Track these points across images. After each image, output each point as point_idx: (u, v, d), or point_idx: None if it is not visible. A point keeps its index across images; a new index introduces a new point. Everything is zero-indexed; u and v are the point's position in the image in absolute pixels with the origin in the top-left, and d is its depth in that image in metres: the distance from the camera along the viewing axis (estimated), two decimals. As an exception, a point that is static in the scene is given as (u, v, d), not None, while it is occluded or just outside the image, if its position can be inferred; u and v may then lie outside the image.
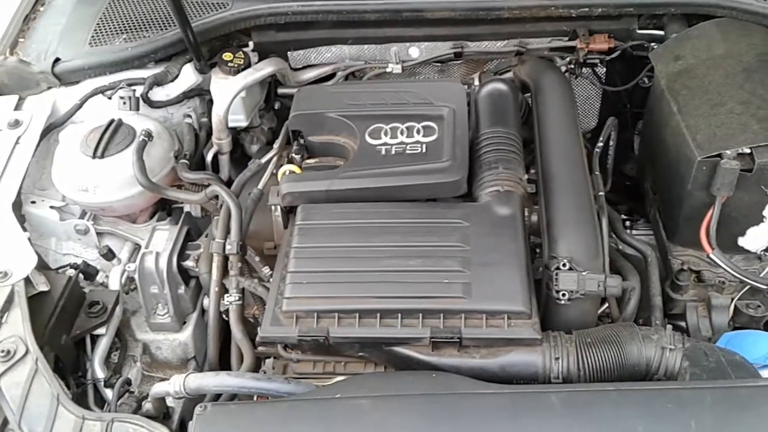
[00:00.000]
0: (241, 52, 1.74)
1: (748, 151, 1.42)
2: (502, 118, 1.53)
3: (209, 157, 1.72)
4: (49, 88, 1.71)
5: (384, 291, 1.28)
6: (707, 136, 1.45)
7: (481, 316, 1.25)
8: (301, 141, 1.57)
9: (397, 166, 1.42)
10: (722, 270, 1.52)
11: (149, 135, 1.56)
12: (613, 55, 1.78)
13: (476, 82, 1.72)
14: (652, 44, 1.77)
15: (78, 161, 1.55)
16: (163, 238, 1.59)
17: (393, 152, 1.46)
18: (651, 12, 1.72)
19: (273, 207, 1.47)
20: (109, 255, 1.57)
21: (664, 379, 1.24)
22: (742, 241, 1.54)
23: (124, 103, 1.65)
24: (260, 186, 1.51)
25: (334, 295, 1.29)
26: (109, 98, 1.70)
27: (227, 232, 1.45)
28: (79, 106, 1.68)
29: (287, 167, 1.51)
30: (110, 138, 1.55)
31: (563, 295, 1.30)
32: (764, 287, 1.49)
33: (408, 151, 1.45)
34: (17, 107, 1.69)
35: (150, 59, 1.70)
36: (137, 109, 1.67)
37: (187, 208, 1.66)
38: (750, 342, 1.38)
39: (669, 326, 1.28)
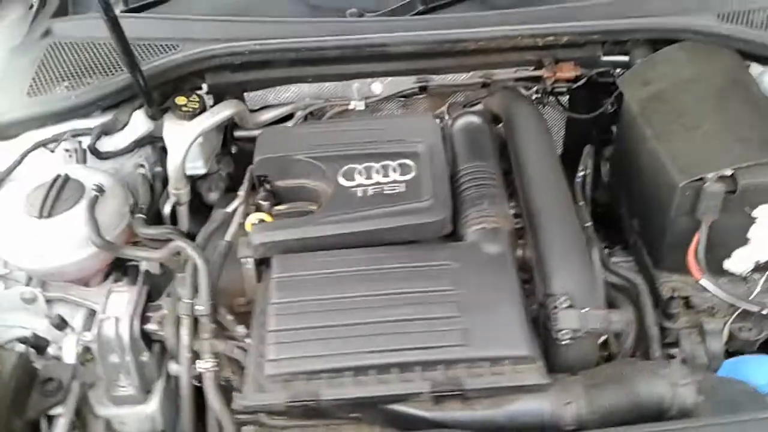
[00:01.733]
0: (195, 96, 1.64)
1: (730, 173, 1.40)
2: (480, 151, 1.47)
3: (167, 210, 1.59)
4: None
5: (377, 345, 1.18)
6: (687, 161, 1.43)
7: (483, 364, 1.17)
8: (268, 187, 1.47)
9: (376, 208, 1.34)
10: (711, 295, 1.49)
11: (101, 189, 1.43)
12: (579, 83, 1.75)
13: (446, 116, 1.66)
14: (617, 70, 1.76)
15: (22, 223, 1.40)
16: (121, 301, 1.45)
17: (370, 193, 1.37)
18: (616, 38, 1.70)
19: (243, 260, 1.36)
20: (61, 324, 1.42)
21: (679, 417, 1.18)
22: (727, 264, 1.51)
23: (70, 155, 1.52)
24: (228, 238, 1.39)
25: (322, 354, 1.18)
26: (52, 151, 1.55)
27: (195, 290, 1.32)
28: (19, 162, 1.53)
29: (256, 216, 1.40)
30: (57, 195, 1.41)
31: (565, 334, 1.23)
32: (756, 309, 1.47)
33: (386, 192, 1.37)
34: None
35: (96, 107, 1.57)
36: (84, 161, 1.53)
37: (144, 266, 1.53)
38: (753, 368, 1.34)
39: (676, 359, 1.23)
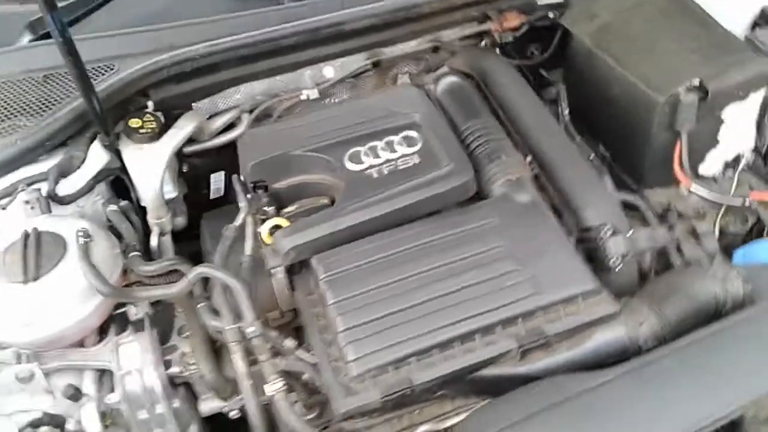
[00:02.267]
0: (148, 115, 1.49)
1: (698, 82, 1.49)
2: (474, 109, 1.46)
3: (154, 242, 1.44)
4: None
5: (452, 316, 1.15)
6: (658, 79, 1.50)
7: (557, 307, 1.17)
8: (265, 191, 1.37)
9: (398, 185, 1.29)
10: (696, 200, 1.58)
11: (88, 234, 1.27)
12: (522, 30, 1.78)
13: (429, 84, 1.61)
14: (551, 12, 1.81)
15: (5, 294, 1.21)
16: (134, 351, 1.31)
17: (385, 172, 1.32)
18: (550, -20, 1.75)
19: (274, 270, 1.26)
20: (76, 394, 1.25)
21: (733, 310, 1.25)
22: (702, 169, 1.62)
23: (32, 207, 1.33)
24: (248, 252, 1.29)
25: (402, 339, 1.13)
26: (4, 209, 1.36)
27: (234, 314, 1.21)
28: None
29: (270, 223, 1.30)
30: (37, 253, 1.24)
31: (616, 261, 1.25)
32: (740, 202, 1.58)
33: (401, 167, 1.33)
34: None
35: (45, 149, 1.38)
36: (49, 210, 1.35)
37: (135, 311, 1.38)
38: (763, 252, 1.44)
39: (715, 257, 1.30)
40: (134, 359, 1.31)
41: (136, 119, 1.47)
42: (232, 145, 1.63)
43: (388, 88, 1.63)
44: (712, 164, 1.63)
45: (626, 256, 1.26)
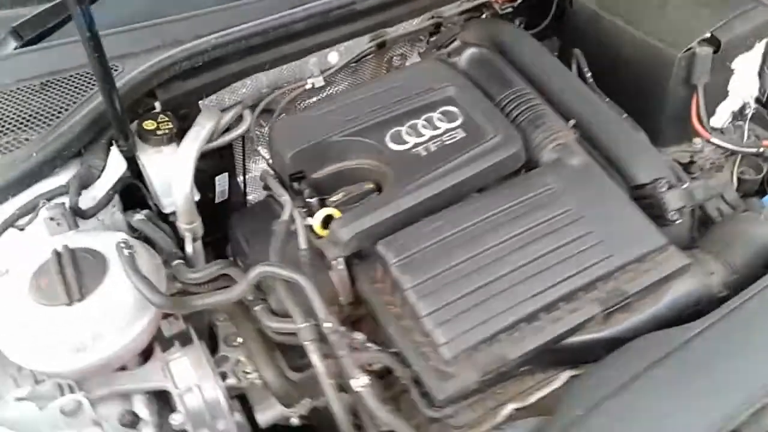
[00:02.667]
0: (162, 116, 1.39)
1: (709, 35, 1.51)
2: (506, 78, 1.43)
3: (189, 248, 1.35)
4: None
5: (534, 286, 1.12)
6: (672, 35, 1.52)
7: (633, 266, 1.16)
8: (303, 183, 1.31)
9: (451, 160, 1.25)
10: (707, 153, 1.62)
11: (130, 246, 1.17)
12: (520, 1, 1.77)
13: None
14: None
15: (49, 319, 1.10)
16: (187, 367, 1.23)
17: (433, 149, 1.28)
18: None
19: (335, 262, 1.20)
20: (134, 420, 1.16)
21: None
22: (713, 121, 1.65)
23: (58, 224, 1.21)
24: (303, 246, 1.22)
25: (488, 316, 1.09)
26: (22, 229, 1.24)
27: (304, 312, 1.15)
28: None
29: (321, 214, 1.24)
30: (76, 272, 1.13)
31: (675, 214, 1.26)
32: (754, 150, 1.62)
33: (447, 142, 1.29)
34: None
35: (62, 160, 1.27)
36: (76, 225, 1.24)
37: (168, 328, 1.29)
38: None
39: (754, 199, 1.32)
40: (189, 375, 1.22)
41: (150, 121, 1.37)
42: (232, 146, 1.56)
43: (413, 66, 1.58)
44: (721, 116, 1.66)
45: (684, 208, 1.26)
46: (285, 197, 1.28)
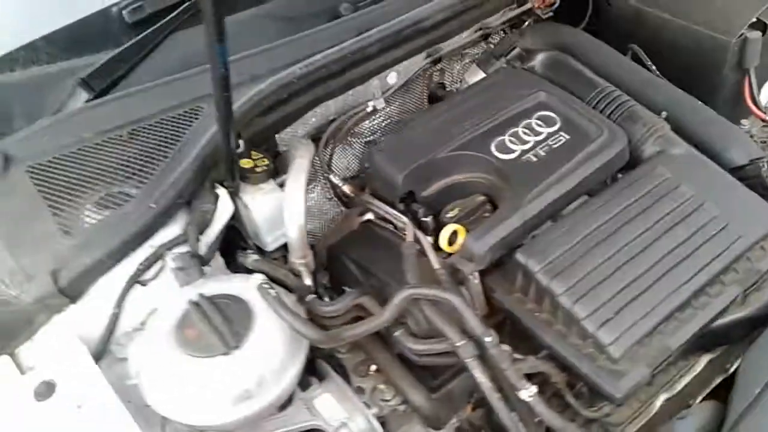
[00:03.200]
0: (255, 153, 1.38)
1: (755, 19, 1.59)
2: (589, 79, 1.47)
3: (309, 282, 1.32)
4: (48, 319, 1.13)
5: (679, 275, 1.15)
6: (721, 23, 1.59)
7: (760, 245, 1.21)
8: (416, 203, 1.31)
9: (564, 163, 1.28)
10: (756, 133, 1.69)
11: (272, 286, 1.15)
12: (557, 4, 1.81)
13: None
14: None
15: (208, 370, 1.07)
16: (332, 403, 1.20)
17: (542, 154, 1.30)
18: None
19: (471, 276, 1.20)
20: (295, 463, 1.13)
21: None
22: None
23: (187, 273, 1.18)
24: (437, 266, 1.22)
25: (645, 310, 1.12)
26: (145, 284, 1.20)
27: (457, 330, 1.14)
28: (117, 315, 1.16)
29: (447, 231, 1.24)
30: (224, 319, 1.10)
31: (780, 190, 1.32)
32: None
33: (555, 146, 1.31)
34: (21, 367, 1.10)
35: (177, 208, 1.23)
36: (202, 273, 1.20)
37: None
38: None
39: None
40: (337, 410, 1.20)
41: (246, 159, 1.35)
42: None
43: (494, 76, 1.58)
44: (765, 96, 1.74)
45: (785, 184, 1.32)
46: (404, 219, 1.27)
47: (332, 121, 1.58)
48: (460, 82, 1.82)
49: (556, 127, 1.34)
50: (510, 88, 1.42)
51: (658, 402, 1.19)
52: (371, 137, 1.69)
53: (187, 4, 1.51)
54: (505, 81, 1.46)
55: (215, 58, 1.01)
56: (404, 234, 1.31)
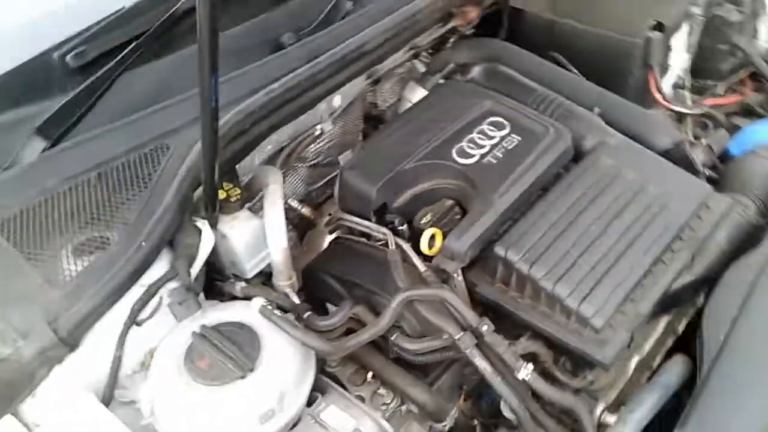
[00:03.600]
0: (226, 183, 1.40)
1: (654, 21, 1.80)
2: (524, 85, 1.60)
3: (296, 301, 1.36)
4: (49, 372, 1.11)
5: (639, 247, 1.29)
6: (627, 27, 1.78)
7: (698, 213, 1.37)
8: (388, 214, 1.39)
9: (521, 161, 1.40)
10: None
11: (274, 306, 1.18)
12: (476, 21, 1.95)
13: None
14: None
15: (228, 396, 1.08)
16: (338, 413, 1.24)
17: (500, 156, 1.41)
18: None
19: (455, 274, 1.29)
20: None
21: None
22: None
23: (188, 308, 1.19)
24: (422, 267, 1.30)
25: (616, 282, 1.24)
26: (139, 325, 1.19)
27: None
28: (120, 358, 1.15)
29: (427, 235, 1.32)
30: (234, 345, 1.12)
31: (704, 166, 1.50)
32: (701, 111, 1.91)
33: (510, 147, 1.43)
34: (28, 426, 1.07)
35: (164, 245, 1.24)
36: (199, 305, 1.22)
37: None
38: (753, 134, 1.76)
39: None
40: (345, 419, 1.24)
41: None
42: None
43: (440, 90, 1.67)
44: (666, 87, 1.96)
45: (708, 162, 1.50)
46: (383, 229, 1.34)
47: (283, 148, 1.63)
48: (392, 100, 1.91)
49: (507, 131, 1.45)
50: (458, 99, 1.53)
51: (632, 365, 1.31)
52: (315, 160, 1.75)
53: (133, 45, 1.51)
54: (452, 93, 1.57)
55: (207, 91, 1.05)
56: (379, 245, 1.38)
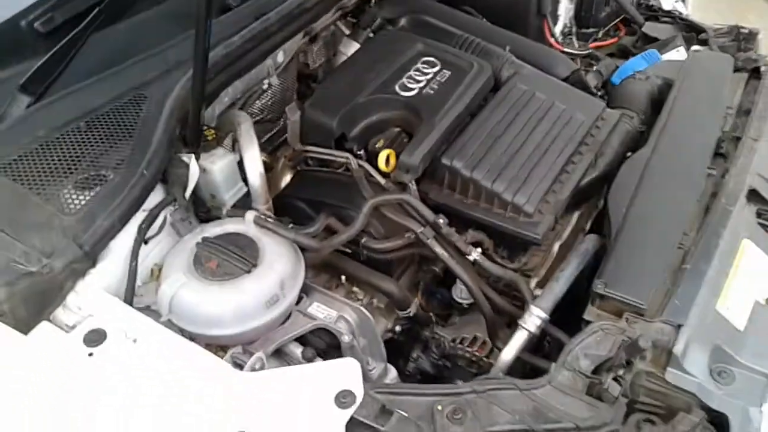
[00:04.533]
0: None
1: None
2: (446, 30, 1.88)
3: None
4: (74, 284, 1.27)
5: (556, 150, 1.60)
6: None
7: (596, 123, 1.70)
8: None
9: (453, 89, 1.66)
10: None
11: (266, 215, 1.39)
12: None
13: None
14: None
15: (240, 288, 1.29)
16: (322, 307, 1.47)
17: (436, 86, 1.68)
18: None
19: (410, 184, 1.54)
20: (313, 355, 1.39)
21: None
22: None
23: (190, 222, 1.38)
24: (382, 180, 1.54)
25: (540, 177, 1.54)
26: (146, 242, 1.37)
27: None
28: (135, 268, 1.32)
29: (384, 154, 1.56)
30: (237, 247, 1.33)
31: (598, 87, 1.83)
32: (588, 53, 2.26)
33: (443, 80, 1.70)
34: (63, 328, 1.22)
35: (160, 173, 1.41)
36: (199, 221, 1.41)
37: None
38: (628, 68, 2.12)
39: None
40: (328, 311, 1.44)
41: (197, 131, 1.55)
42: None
43: (379, 37, 1.91)
44: (557, 33, 2.30)
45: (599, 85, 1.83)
46: (345, 154, 1.57)
47: (234, 103, 1.82)
48: (321, 61, 2.13)
49: (438, 68, 1.72)
50: (394, 44, 1.78)
51: (555, 248, 1.61)
52: (261, 116, 1.96)
53: (96, 10, 1.65)
54: (388, 40, 1.82)
55: (205, 33, 1.24)
56: (340, 171, 1.61)
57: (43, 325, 1.22)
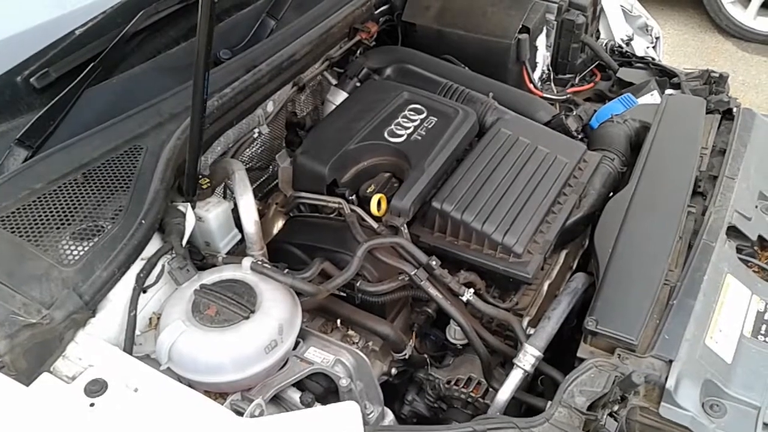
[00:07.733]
0: (192, 174, 1.62)
1: (521, 26, 2.21)
2: (430, 78, 1.94)
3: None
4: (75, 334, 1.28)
5: (540, 194, 1.65)
6: (501, 31, 2.18)
7: (578, 165, 1.76)
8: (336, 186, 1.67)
9: (440, 135, 1.72)
10: None
11: (261, 262, 1.42)
12: (375, 34, 2.28)
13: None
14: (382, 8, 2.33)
15: (240, 334, 1.30)
16: (318, 351, 1.48)
17: (423, 133, 1.73)
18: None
19: (402, 228, 1.58)
20: (312, 401, 1.40)
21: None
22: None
23: (187, 270, 1.40)
24: (375, 225, 1.58)
25: (528, 218, 1.59)
26: (144, 291, 1.39)
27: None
28: (135, 317, 1.34)
29: (375, 199, 1.61)
30: (235, 294, 1.35)
31: (578, 131, 1.90)
32: (565, 98, 2.34)
33: (430, 127, 1.75)
34: (64, 379, 1.23)
35: (157, 224, 1.44)
36: (196, 270, 1.43)
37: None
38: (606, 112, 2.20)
39: None
40: (325, 355, 1.47)
41: (189, 180, 1.58)
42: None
43: (366, 87, 1.97)
44: (536, 79, 2.38)
45: (579, 128, 1.90)
46: (337, 199, 1.61)
47: (226, 152, 1.86)
48: (308, 109, 2.19)
49: (425, 114, 1.78)
50: (381, 93, 1.84)
51: (545, 287, 1.65)
52: (250, 164, 2.00)
53: (91, 66, 1.69)
54: (375, 89, 1.88)
55: (200, 86, 1.28)
56: (332, 216, 1.65)
57: (45, 377, 1.22)
